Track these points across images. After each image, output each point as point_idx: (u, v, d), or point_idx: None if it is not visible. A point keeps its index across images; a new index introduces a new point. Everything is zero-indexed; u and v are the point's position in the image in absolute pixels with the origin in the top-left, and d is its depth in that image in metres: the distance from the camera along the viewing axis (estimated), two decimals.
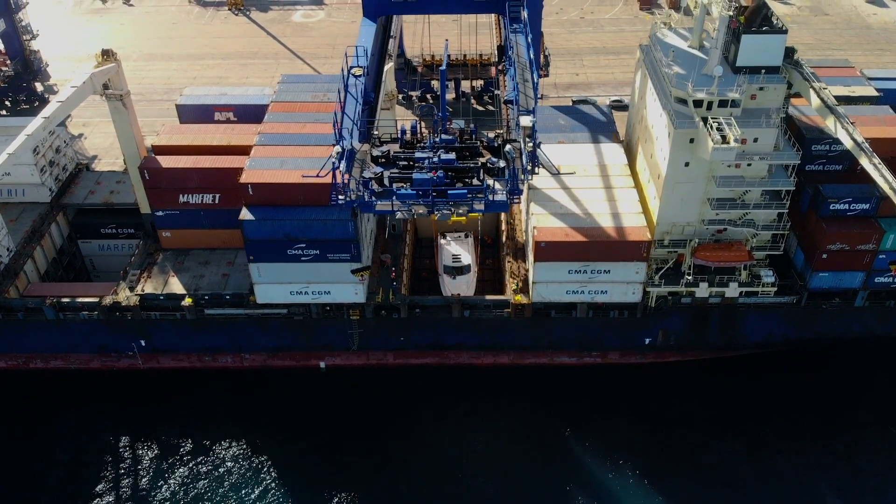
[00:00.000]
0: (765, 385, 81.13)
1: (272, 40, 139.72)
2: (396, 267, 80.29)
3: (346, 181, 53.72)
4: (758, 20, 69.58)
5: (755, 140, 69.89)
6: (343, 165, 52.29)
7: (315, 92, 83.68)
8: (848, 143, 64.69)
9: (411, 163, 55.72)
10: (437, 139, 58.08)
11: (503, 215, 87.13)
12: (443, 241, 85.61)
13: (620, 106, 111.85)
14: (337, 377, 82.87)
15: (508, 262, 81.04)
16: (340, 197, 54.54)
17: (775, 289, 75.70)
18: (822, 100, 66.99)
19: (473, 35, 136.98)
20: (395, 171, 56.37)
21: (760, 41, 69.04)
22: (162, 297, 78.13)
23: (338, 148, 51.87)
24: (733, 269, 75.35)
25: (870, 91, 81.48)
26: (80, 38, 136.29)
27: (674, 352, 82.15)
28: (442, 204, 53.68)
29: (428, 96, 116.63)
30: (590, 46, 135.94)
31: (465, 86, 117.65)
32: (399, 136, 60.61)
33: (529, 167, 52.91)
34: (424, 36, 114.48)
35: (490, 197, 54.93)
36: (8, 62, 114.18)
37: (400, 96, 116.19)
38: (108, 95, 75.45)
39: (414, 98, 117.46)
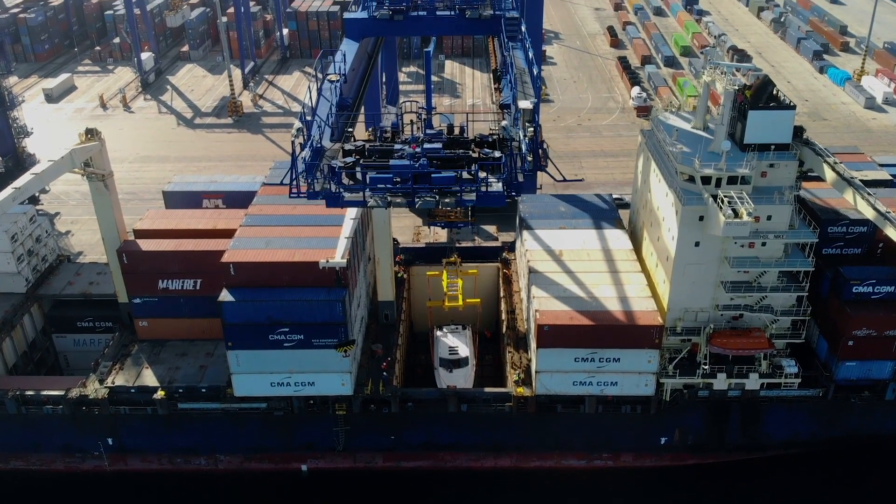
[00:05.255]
0: (793, 492, 73.54)
1: (270, 144, 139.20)
2: (389, 357, 74.53)
3: (309, 177, 47.08)
4: (764, 97, 67.31)
5: (769, 218, 65.96)
6: (307, 153, 46.63)
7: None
8: (870, 214, 60.74)
9: (390, 157, 50.39)
10: (421, 135, 52.29)
11: (503, 304, 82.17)
12: (439, 333, 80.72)
13: (621, 204, 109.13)
14: (320, 482, 75.20)
15: (509, 352, 75.38)
16: (303, 187, 47.87)
17: (799, 380, 69.72)
18: (837, 173, 63.68)
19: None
20: (371, 160, 49.37)
21: (768, 117, 66.45)
22: (133, 390, 72.07)
23: (298, 124, 47.22)
24: (752, 358, 69.68)
25: (883, 175, 78.49)
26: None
27: (692, 453, 74.96)
28: (424, 192, 47.95)
29: None
30: (588, 150, 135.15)
31: None
32: (377, 133, 54.61)
33: (530, 158, 47.88)
34: None
35: (483, 188, 48.17)
36: None
37: None
38: (90, 175, 72.33)
39: None
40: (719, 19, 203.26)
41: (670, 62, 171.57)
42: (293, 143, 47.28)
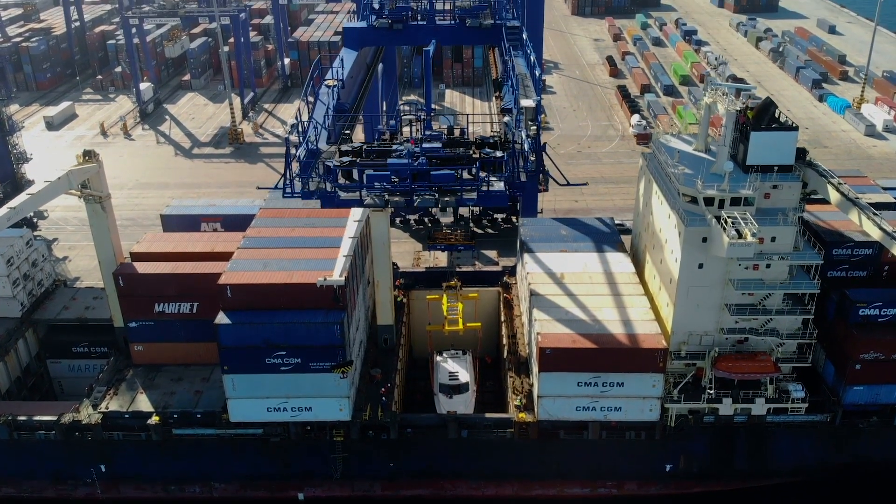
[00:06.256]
0: None
1: (271, 171, 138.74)
2: (388, 383, 73.16)
3: (304, 176, 45.58)
4: (766, 119, 66.97)
5: (773, 239, 65.17)
6: (302, 151, 45.59)
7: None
8: (876, 234, 59.92)
9: (387, 157, 49.15)
10: (420, 136, 50.95)
11: (504, 329, 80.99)
12: (439, 359, 79.42)
13: (623, 229, 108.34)
14: None
15: (511, 377, 74.07)
16: (297, 186, 46.56)
17: (806, 405, 68.37)
18: (842, 194, 63.04)
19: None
20: (368, 159, 48.28)
21: (771, 138, 66.06)
22: (127, 416, 70.80)
23: (292, 121, 46.42)
24: (758, 382, 68.40)
25: (886, 198, 77.87)
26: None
27: (697, 481, 73.32)
28: (423, 189, 46.73)
29: (426, 219, 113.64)
30: (588, 176, 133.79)
31: (464, 209, 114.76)
32: (375, 136, 53.21)
33: (532, 158, 46.99)
34: None
35: (484, 187, 46.75)
36: None
37: (398, 220, 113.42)
38: (86, 196, 71.69)
39: (412, 221, 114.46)
40: (718, 49, 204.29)
41: (669, 91, 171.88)
42: (287, 140, 46.44)
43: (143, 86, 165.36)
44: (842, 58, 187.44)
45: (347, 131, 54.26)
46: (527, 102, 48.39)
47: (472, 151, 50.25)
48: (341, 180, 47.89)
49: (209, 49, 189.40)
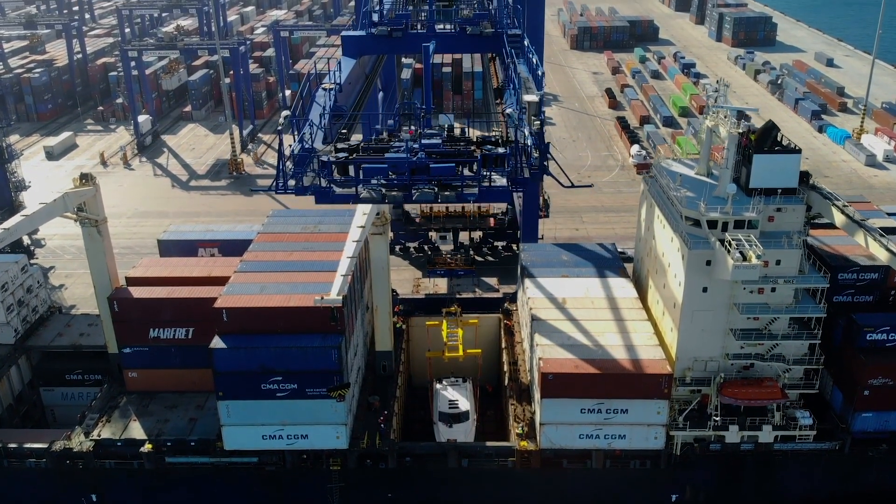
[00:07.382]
0: None
1: (271, 200, 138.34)
2: (387, 410, 71.68)
3: (299, 171, 44.04)
4: (768, 142, 66.53)
5: (777, 263, 64.17)
6: (296, 147, 44.30)
7: (305, 224, 79.47)
8: (884, 257, 58.90)
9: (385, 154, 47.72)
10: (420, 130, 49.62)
11: (504, 355, 79.66)
12: (438, 386, 78.04)
13: (625, 257, 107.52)
14: None
15: (512, 404, 72.57)
16: (291, 182, 45.13)
17: (814, 432, 66.82)
18: (847, 216, 62.22)
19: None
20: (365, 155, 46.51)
21: (774, 161, 65.53)
22: (119, 444, 69.16)
23: (286, 112, 45.30)
24: (765, 409, 66.91)
25: (890, 222, 76.98)
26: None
27: None
28: (422, 183, 45.32)
29: (425, 247, 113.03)
30: (588, 205, 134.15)
31: (464, 237, 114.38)
32: (374, 135, 51.77)
33: (536, 155, 45.96)
34: None
35: (486, 183, 45.69)
36: None
37: (398, 248, 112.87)
38: (83, 220, 70.91)
39: (411, 249, 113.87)
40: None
41: (669, 122, 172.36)
42: (280, 133, 45.29)
43: (142, 118, 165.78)
44: (840, 90, 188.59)
45: (345, 130, 53.35)
46: (530, 97, 47.73)
47: (472, 149, 49.41)
48: (337, 177, 46.80)
49: (210, 81, 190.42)
